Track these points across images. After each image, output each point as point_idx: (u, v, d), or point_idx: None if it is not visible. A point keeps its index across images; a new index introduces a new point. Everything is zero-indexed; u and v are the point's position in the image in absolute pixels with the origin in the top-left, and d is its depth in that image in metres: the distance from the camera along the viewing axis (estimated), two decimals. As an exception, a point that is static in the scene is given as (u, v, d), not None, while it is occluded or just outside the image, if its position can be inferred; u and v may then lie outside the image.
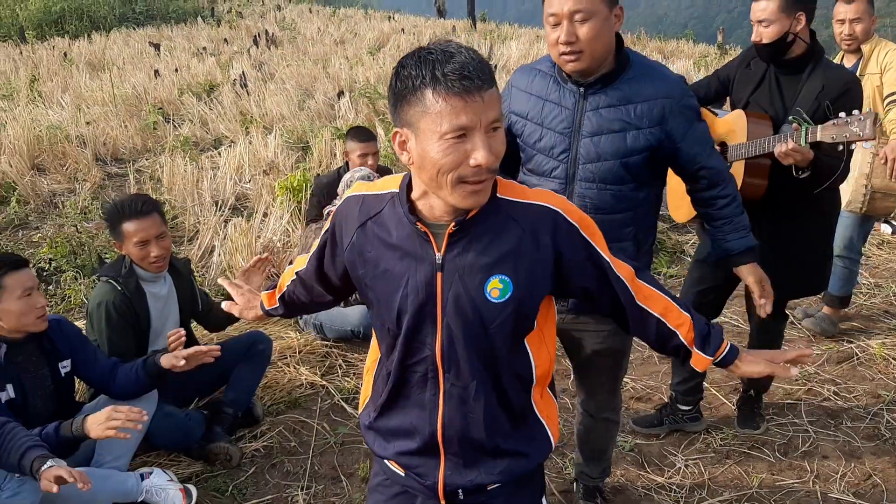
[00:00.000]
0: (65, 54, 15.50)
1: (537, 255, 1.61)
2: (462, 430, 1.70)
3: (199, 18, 21.83)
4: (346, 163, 4.84)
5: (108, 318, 3.15)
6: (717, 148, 3.08)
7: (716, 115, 3.24)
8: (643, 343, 3.54)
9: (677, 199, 3.30)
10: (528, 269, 1.60)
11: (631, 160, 2.31)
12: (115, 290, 3.19)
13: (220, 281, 2.36)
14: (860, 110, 2.73)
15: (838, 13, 4.07)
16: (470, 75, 1.42)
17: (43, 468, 2.43)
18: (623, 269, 1.74)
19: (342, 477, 3.30)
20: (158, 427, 3.21)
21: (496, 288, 1.59)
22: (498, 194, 1.61)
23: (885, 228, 5.99)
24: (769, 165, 2.91)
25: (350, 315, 4.28)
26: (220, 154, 7.85)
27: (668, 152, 2.36)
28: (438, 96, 1.43)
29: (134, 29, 20.09)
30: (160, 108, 10.01)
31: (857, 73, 4.11)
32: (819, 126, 2.68)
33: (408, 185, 1.63)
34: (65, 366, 3.03)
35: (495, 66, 12.85)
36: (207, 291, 4.35)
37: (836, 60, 4.27)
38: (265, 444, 3.52)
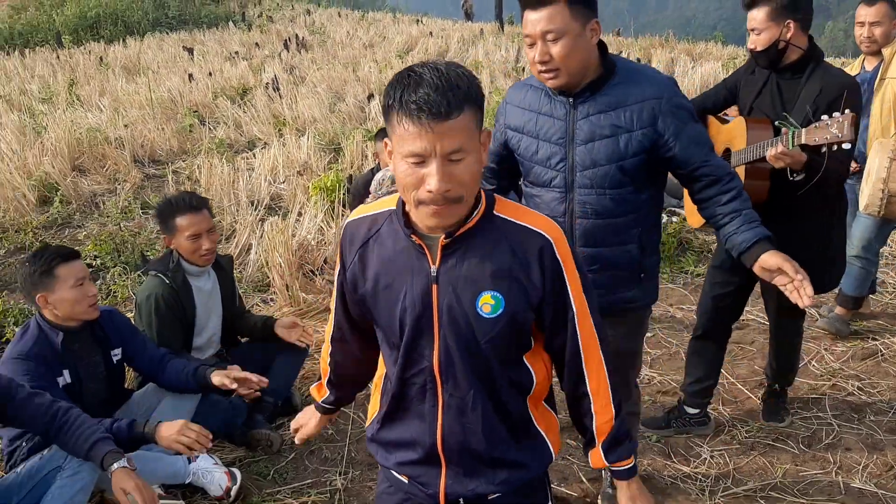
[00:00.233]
0: (101, 59, 15.86)
1: (527, 277, 1.64)
2: (462, 440, 1.73)
3: (231, 23, 22.16)
4: (378, 163, 4.99)
5: (156, 310, 3.32)
6: (722, 155, 3.20)
7: (725, 122, 3.35)
8: (670, 339, 3.66)
9: (691, 203, 3.41)
10: (518, 288, 1.63)
11: (626, 163, 2.36)
12: (164, 283, 3.36)
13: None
14: (858, 113, 2.83)
15: (859, 16, 4.15)
16: (427, 106, 1.46)
17: (115, 467, 2.60)
18: (585, 326, 1.72)
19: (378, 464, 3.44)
20: (204, 413, 3.37)
21: (487, 304, 1.63)
22: (495, 212, 1.66)
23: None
24: (769, 168, 2.99)
25: None
26: (254, 156, 8.05)
27: (663, 153, 2.37)
28: (401, 120, 1.49)
29: (167, 33, 20.48)
30: (195, 112, 10.25)
31: (878, 77, 4.18)
32: (804, 129, 2.76)
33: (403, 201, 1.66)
34: (116, 354, 3.20)
35: (522, 69, 12.96)
36: (242, 294, 4.51)
37: (857, 63, 4.34)
38: (304, 431, 3.66)
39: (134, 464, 2.64)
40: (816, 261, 3.24)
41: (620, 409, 1.79)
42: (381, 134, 5.02)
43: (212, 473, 3.19)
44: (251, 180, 7.19)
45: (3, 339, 4.36)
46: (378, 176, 4.64)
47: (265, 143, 8.70)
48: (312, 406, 2.18)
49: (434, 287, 1.64)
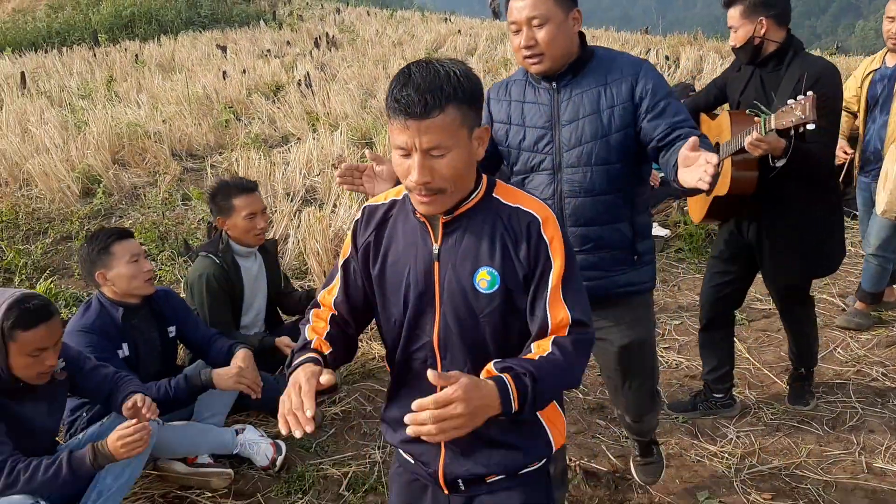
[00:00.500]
0: (136, 56, 16.18)
1: (517, 254, 1.70)
2: None
3: (262, 22, 22.44)
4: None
5: (208, 288, 3.51)
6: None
7: (715, 118, 3.45)
8: (697, 326, 3.78)
9: (694, 200, 3.52)
10: (511, 265, 1.70)
11: (611, 139, 2.43)
12: (214, 263, 3.55)
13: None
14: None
15: (889, 10, 4.21)
16: (406, 106, 1.56)
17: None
18: (558, 310, 1.69)
19: (415, 439, 3.60)
20: (251, 388, 3.54)
21: (484, 279, 1.70)
22: (494, 194, 1.75)
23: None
24: (755, 159, 3.08)
25: None
26: (289, 150, 8.24)
27: (641, 123, 2.41)
28: (391, 115, 1.61)
29: (200, 32, 20.80)
30: (230, 108, 10.47)
31: None
32: (773, 115, 2.85)
33: None
34: (171, 330, 3.39)
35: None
36: (287, 274, 4.69)
37: (879, 57, 4.39)
38: (343, 408, 3.84)
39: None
40: (811, 251, 3.31)
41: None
42: None
43: (258, 444, 3.36)
44: (287, 173, 7.38)
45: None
46: None
47: (298, 139, 8.89)
48: (306, 366, 1.72)
49: (436, 264, 1.73)
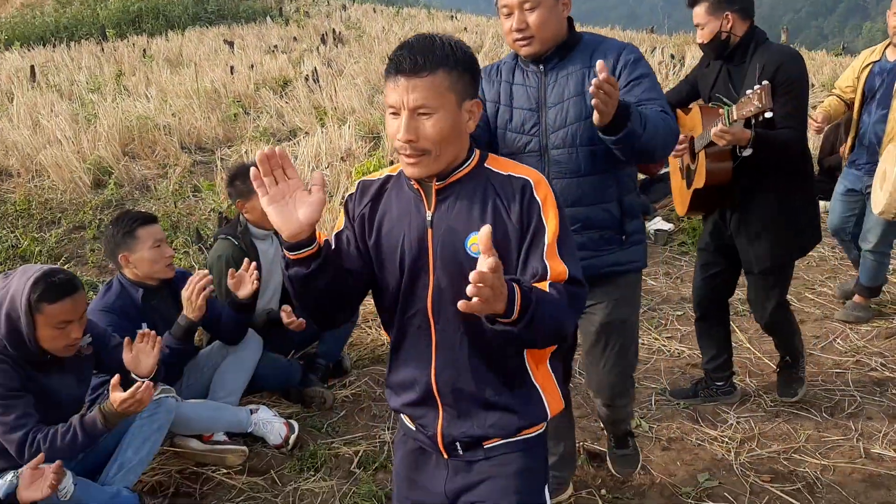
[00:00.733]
0: (144, 51, 16.27)
1: (509, 217, 1.76)
2: (453, 379, 1.84)
3: (268, 18, 22.52)
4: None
5: (226, 269, 3.61)
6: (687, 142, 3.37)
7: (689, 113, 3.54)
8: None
9: (678, 193, 3.61)
10: (504, 229, 1.75)
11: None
12: (233, 245, 3.66)
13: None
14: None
15: (894, 5, 4.27)
16: (398, 63, 1.67)
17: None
18: (556, 263, 1.72)
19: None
20: (264, 370, 3.67)
21: (475, 244, 1.73)
22: (486, 164, 1.82)
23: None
24: (728, 150, 3.18)
25: None
26: (297, 144, 8.34)
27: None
28: (386, 76, 1.72)
29: (207, 27, 20.87)
30: (239, 102, 10.57)
31: None
32: (734, 106, 2.94)
33: None
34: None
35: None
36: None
37: (879, 49, 4.45)
38: (353, 391, 3.95)
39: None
40: (784, 233, 3.34)
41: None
42: None
43: (271, 423, 3.47)
44: (296, 166, 7.46)
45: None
46: None
47: (307, 133, 8.98)
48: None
49: (429, 231, 1.78)
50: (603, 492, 3.19)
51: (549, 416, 1.93)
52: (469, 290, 1.49)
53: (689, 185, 3.42)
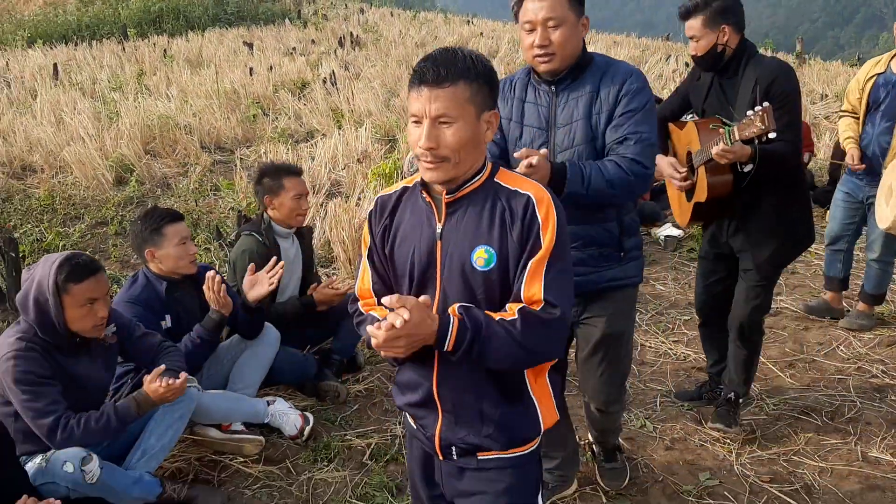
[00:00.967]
0: (164, 51, 16.50)
1: (512, 233, 1.81)
2: (453, 388, 1.90)
3: (287, 20, 22.76)
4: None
5: (250, 264, 3.74)
6: (685, 157, 3.42)
7: (683, 126, 3.56)
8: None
9: (677, 205, 3.69)
10: (507, 244, 1.81)
11: (598, 143, 2.57)
12: (257, 241, 3.81)
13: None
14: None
15: None
16: (422, 74, 1.76)
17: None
18: (532, 285, 1.79)
19: (433, 416, 3.82)
20: (281, 363, 3.79)
21: (481, 257, 1.81)
22: (496, 179, 1.87)
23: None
24: (726, 164, 3.21)
25: None
26: (314, 145, 8.49)
27: (609, 125, 2.53)
28: (410, 86, 1.79)
29: (226, 29, 21.13)
30: (258, 103, 10.75)
31: None
32: (735, 126, 2.99)
33: None
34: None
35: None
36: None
37: (885, 59, 4.48)
38: (366, 386, 4.08)
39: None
40: (781, 242, 3.38)
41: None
42: None
43: (287, 415, 3.59)
44: (312, 167, 7.62)
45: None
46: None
47: (324, 134, 9.14)
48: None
49: (438, 243, 1.85)
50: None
51: (542, 430, 1.99)
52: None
53: (689, 198, 3.49)
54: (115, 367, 3.16)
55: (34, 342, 2.84)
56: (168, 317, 3.45)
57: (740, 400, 3.69)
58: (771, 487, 3.28)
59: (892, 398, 3.96)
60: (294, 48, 16.93)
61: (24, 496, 2.48)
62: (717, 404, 3.73)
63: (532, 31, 2.53)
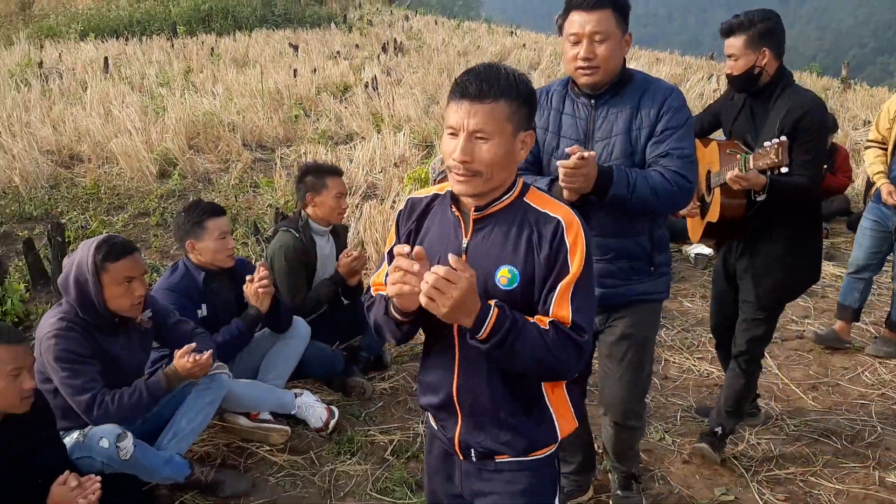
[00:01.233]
0: (212, 49, 16.83)
1: (539, 255, 1.82)
2: (472, 394, 1.92)
3: (333, 24, 23.04)
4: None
5: (286, 259, 3.88)
6: (705, 176, 3.45)
7: (708, 144, 3.56)
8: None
9: (690, 221, 3.70)
10: (533, 268, 1.82)
11: (636, 158, 2.60)
12: (294, 237, 3.94)
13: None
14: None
15: None
16: (464, 88, 1.76)
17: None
18: (561, 307, 1.80)
19: (455, 417, 3.91)
20: (311, 357, 3.91)
21: (504, 276, 1.81)
22: (525, 199, 1.88)
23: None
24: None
25: None
26: (353, 147, 8.64)
27: (649, 142, 2.57)
28: (449, 98, 1.80)
29: (273, 30, 21.47)
30: (300, 104, 10.94)
31: None
32: (751, 155, 2.99)
33: None
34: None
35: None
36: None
37: None
38: (392, 385, 4.17)
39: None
40: (785, 276, 3.36)
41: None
42: None
43: (314, 408, 3.70)
44: (350, 169, 7.76)
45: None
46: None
47: (363, 137, 9.28)
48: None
49: (463, 257, 1.81)
50: (621, 496, 3.34)
51: (559, 439, 2.01)
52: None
53: (702, 215, 3.52)
54: (149, 350, 3.29)
55: (75, 322, 2.97)
56: (204, 306, 3.58)
57: (727, 436, 3.65)
58: (786, 506, 3.32)
59: (915, 426, 3.96)
60: (338, 52, 17.15)
61: (67, 472, 2.60)
62: (702, 432, 3.71)
63: (577, 43, 2.55)
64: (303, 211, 4.05)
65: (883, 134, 4.58)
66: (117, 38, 19.42)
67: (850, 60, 20.01)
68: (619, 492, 3.25)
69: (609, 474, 3.35)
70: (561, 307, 1.80)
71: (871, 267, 4.76)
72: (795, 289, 3.51)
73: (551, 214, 1.84)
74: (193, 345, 3.12)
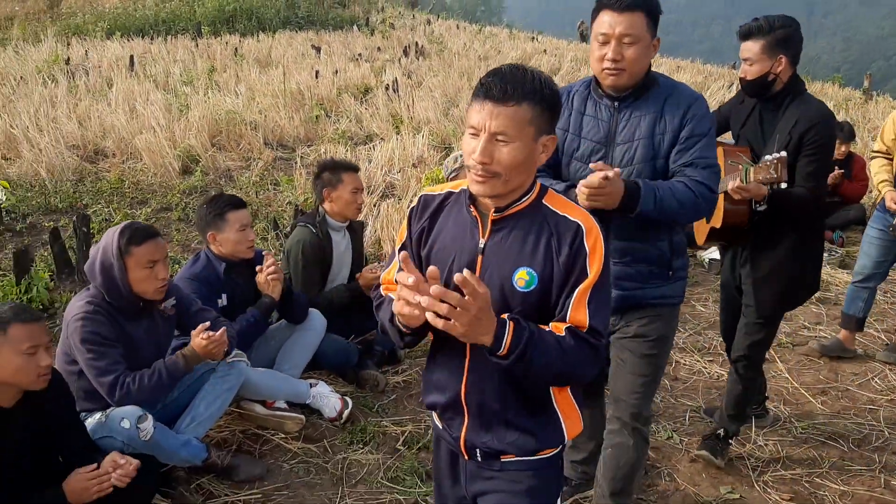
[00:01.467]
0: (235, 50, 17.00)
1: (558, 259, 1.81)
2: (480, 395, 1.91)
3: (355, 27, 23.19)
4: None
5: (303, 253, 3.97)
6: None
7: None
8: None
9: (695, 224, 3.73)
10: (551, 268, 1.81)
11: (658, 163, 2.59)
12: (311, 232, 4.03)
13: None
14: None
15: None
16: (488, 89, 1.74)
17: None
18: (579, 311, 1.80)
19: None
20: (326, 349, 4.00)
21: (522, 278, 1.80)
22: (544, 201, 1.87)
23: None
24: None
25: None
26: (373, 148, 8.74)
27: (673, 150, 2.56)
28: (473, 97, 1.79)
29: (296, 31, 21.64)
30: (321, 105, 11.05)
31: None
32: (752, 168, 3.01)
33: None
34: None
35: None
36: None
37: None
38: (404, 378, 4.26)
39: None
40: (786, 287, 3.40)
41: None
42: None
43: (328, 398, 3.79)
44: (369, 169, 7.85)
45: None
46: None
47: (382, 139, 9.37)
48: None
49: (479, 258, 1.84)
50: (627, 491, 3.40)
51: (565, 440, 2.01)
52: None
53: (707, 219, 3.56)
54: (171, 337, 3.39)
55: (101, 306, 3.07)
56: (224, 295, 3.68)
57: (730, 439, 3.68)
58: (790, 506, 3.36)
59: (923, 431, 3.98)
60: (360, 54, 17.27)
61: (113, 452, 2.72)
62: (704, 436, 3.74)
63: (605, 43, 2.53)
64: (320, 206, 4.15)
65: (888, 145, 4.59)
66: (143, 36, 19.64)
67: (873, 72, 19.91)
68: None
69: None
70: (578, 311, 1.80)
71: (876, 276, 4.77)
72: (794, 299, 3.53)
73: (571, 218, 1.84)
74: (208, 323, 3.20)
